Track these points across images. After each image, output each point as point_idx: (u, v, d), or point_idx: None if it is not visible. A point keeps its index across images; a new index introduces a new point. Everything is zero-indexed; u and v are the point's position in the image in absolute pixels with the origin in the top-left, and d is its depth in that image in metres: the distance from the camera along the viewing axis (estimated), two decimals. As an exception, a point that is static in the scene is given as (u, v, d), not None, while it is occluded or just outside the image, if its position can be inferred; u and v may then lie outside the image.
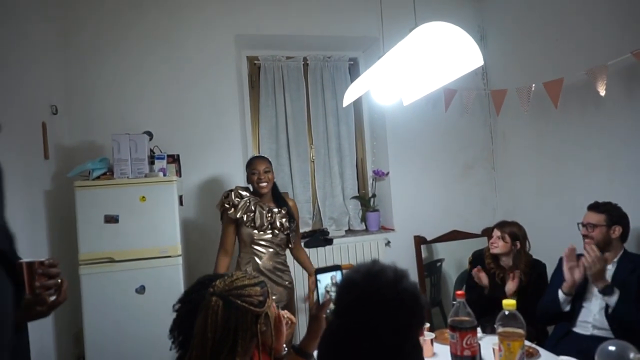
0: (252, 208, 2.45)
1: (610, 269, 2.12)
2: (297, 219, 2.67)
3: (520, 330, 1.42)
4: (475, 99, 3.33)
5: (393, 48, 1.54)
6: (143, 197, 2.42)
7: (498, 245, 2.45)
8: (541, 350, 1.82)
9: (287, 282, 2.54)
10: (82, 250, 2.36)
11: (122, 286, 2.39)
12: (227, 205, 2.44)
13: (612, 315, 1.99)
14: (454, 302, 1.58)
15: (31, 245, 2.27)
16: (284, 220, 2.51)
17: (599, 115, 2.63)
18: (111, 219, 2.39)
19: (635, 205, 2.19)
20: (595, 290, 2.12)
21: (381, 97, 1.98)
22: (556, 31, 2.88)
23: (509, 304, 1.45)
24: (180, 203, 2.65)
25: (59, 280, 1.15)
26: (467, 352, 1.46)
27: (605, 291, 1.98)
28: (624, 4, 2.40)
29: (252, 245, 2.46)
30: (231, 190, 2.50)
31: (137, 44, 2.98)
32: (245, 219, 2.43)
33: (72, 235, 2.41)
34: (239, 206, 2.44)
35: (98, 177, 2.44)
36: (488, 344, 1.74)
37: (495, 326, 1.49)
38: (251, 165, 2.53)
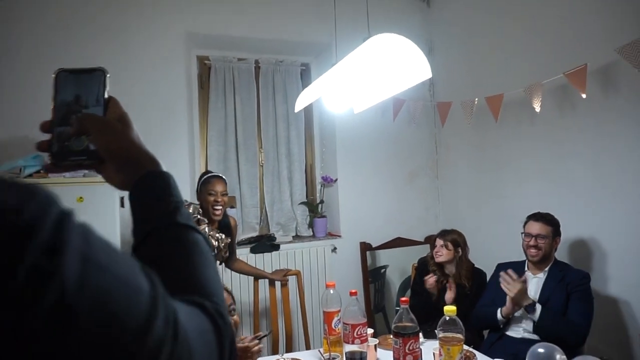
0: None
1: (542, 277, 2.25)
2: (235, 238, 2.64)
3: (460, 335, 1.48)
4: (422, 109, 3.44)
5: (346, 57, 1.57)
6: (81, 197, 2.29)
7: (442, 254, 2.53)
8: (477, 354, 1.89)
9: None
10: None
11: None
12: None
13: (538, 330, 2.11)
14: (397, 308, 1.62)
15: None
16: (224, 250, 2.45)
17: (533, 130, 2.81)
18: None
19: (564, 216, 2.34)
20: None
21: (333, 104, 2.00)
22: (498, 49, 3.05)
23: (449, 309, 1.51)
24: (122, 205, 2.53)
25: None
26: (409, 358, 1.50)
27: (528, 309, 2.10)
28: (557, 29, 2.59)
29: None
30: (189, 206, 2.33)
31: (79, 34, 2.82)
32: None
33: None
34: None
35: (30, 175, 2.29)
36: (429, 349, 1.79)
37: (436, 331, 1.54)
38: (209, 184, 2.36)
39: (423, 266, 2.69)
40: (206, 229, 2.35)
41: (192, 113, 3.29)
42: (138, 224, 0.58)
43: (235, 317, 1.32)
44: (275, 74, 3.58)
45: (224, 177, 2.50)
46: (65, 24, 2.79)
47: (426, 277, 2.53)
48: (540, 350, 1.24)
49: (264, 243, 3.23)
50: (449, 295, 2.46)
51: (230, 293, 1.32)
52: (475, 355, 1.86)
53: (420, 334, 1.73)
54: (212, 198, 2.35)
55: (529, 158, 2.87)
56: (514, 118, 2.89)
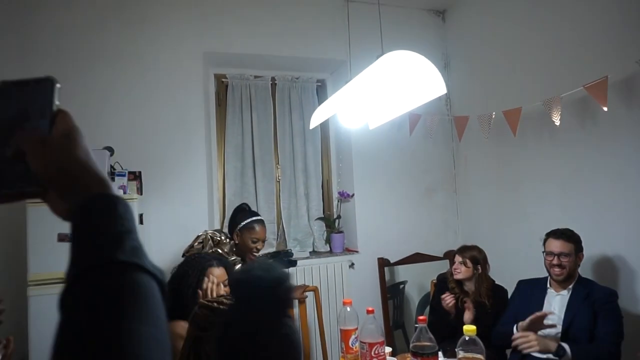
0: None
1: (566, 294, 2.18)
2: None
3: (480, 356, 1.44)
4: (438, 124, 3.42)
5: (360, 74, 1.57)
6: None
7: (461, 271, 2.48)
8: (500, 375, 1.84)
9: None
10: (31, 270, 2.23)
11: (75, 309, 2.26)
12: None
13: None
14: (417, 326, 1.58)
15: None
16: None
17: (553, 144, 2.75)
18: (65, 238, 2.28)
19: (587, 232, 2.27)
20: (549, 316, 2.18)
21: (348, 120, 2.00)
22: (515, 62, 3.02)
23: (469, 329, 1.47)
24: (140, 222, 2.57)
25: (6, 340, 1.05)
26: (428, 378, 1.46)
27: (559, 353, 1.99)
28: (576, 41, 2.55)
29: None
30: (218, 243, 2.31)
31: (102, 56, 2.90)
32: None
33: (21, 253, 2.28)
34: None
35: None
36: (449, 369, 1.75)
37: (456, 351, 1.50)
38: (253, 230, 2.41)
39: (442, 283, 2.64)
40: (239, 267, 2.34)
41: (209, 130, 3.34)
42: (70, 263, 0.47)
43: None
44: (291, 90, 3.61)
45: (263, 220, 2.55)
46: (84, 46, 2.88)
47: (443, 296, 2.47)
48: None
49: (281, 259, 3.21)
50: (468, 316, 2.39)
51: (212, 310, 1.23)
52: (496, 376, 1.81)
53: (440, 353, 1.70)
54: (254, 245, 2.41)
55: (549, 172, 2.81)
56: (533, 132, 2.85)
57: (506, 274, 2.62)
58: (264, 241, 2.46)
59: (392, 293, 3.47)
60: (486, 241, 2.90)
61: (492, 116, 2.87)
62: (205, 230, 2.43)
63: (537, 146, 2.87)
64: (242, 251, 2.42)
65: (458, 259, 2.51)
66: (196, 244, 2.34)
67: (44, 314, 2.23)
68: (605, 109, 2.18)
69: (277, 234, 3.53)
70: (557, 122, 2.44)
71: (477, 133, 3.07)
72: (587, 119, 2.52)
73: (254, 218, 2.49)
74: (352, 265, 3.40)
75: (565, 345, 1.99)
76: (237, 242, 2.44)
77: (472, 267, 2.47)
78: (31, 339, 2.20)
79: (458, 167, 3.71)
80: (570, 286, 2.19)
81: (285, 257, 3.25)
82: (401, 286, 3.53)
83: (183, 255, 2.38)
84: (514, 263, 2.91)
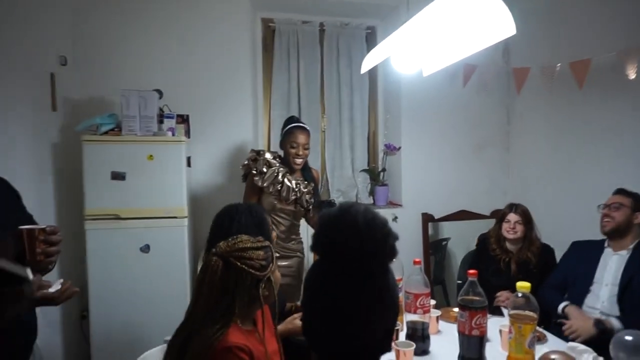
0: (280, 179, 2.36)
1: (625, 255, 2.07)
2: (318, 188, 2.65)
3: (533, 314, 1.39)
4: (494, 76, 3.22)
5: (419, 12, 1.46)
6: (151, 155, 2.37)
7: (518, 230, 2.36)
8: (548, 335, 1.79)
9: (298, 253, 2.52)
10: (88, 206, 2.34)
11: (127, 244, 2.38)
12: (254, 171, 2.36)
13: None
14: (459, 282, 1.55)
15: (37, 198, 2.25)
16: (309, 196, 2.47)
17: (624, 100, 2.53)
18: (118, 176, 2.36)
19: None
20: (605, 275, 2.08)
21: (401, 65, 1.90)
22: (585, 7, 2.74)
23: (523, 286, 1.42)
24: (188, 164, 2.61)
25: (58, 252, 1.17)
26: (475, 332, 1.43)
27: (599, 326, 1.89)
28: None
29: (272, 215, 2.38)
30: (259, 153, 2.40)
31: (151, -2, 2.88)
32: (271, 189, 2.36)
33: (78, 189, 2.39)
34: (266, 176, 2.35)
35: (106, 133, 2.39)
36: (494, 325, 1.71)
37: (507, 308, 1.46)
38: (292, 135, 2.40)
39: (483, 244, 2.56)
40: (281, 170, 2.39)
41: (256, 76, 3.30)
42: None
43: (277, 274, 1.29)
44: (340, 37, 3.48)
45: (307, 127, 2.50)
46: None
47: (498, 296, 2.24)
48: (628, 338, 1.13)
49: (325, 208, 3.22)
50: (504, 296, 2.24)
51: (266, 250, 1.23)
52: (545, 336, 1.77)
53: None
54: (293, 150, 2.40)
55: (614, 131, 2.60)
56: (601, 86, 2.62)
57: (556, 237, 2.51)
58: (305, 148, 2.41)
59: (434, 249, 3.44)
60: (536, 202, 2.78)
61: (557, 68, 2.65)
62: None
63: (604, 102, 2.65)
64: (287, 160, 2.43)
65: (514, 217, 2.37)
66: (251, 161, 2.40)
67: (101, 247, 2.35)
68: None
69: (321, 184, 3.52)
70: (633, 76, 2.22)
71: (535, 86, 2.87)
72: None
73: (294, 124, 2.46)
74: (395, 218, 3.36)
75: (612, 323, 1.88)
76: (283, 150, 2.46)
77: (524, 226, 2.36)
78: (90, 270, 2.34)
79: (512, 123, 3.52)
80: (631, 246, 2.07)
81: (328, 207, 3.25)
82: (444, 243, 3.48)
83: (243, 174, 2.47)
84: (565, 226, 2.77)
